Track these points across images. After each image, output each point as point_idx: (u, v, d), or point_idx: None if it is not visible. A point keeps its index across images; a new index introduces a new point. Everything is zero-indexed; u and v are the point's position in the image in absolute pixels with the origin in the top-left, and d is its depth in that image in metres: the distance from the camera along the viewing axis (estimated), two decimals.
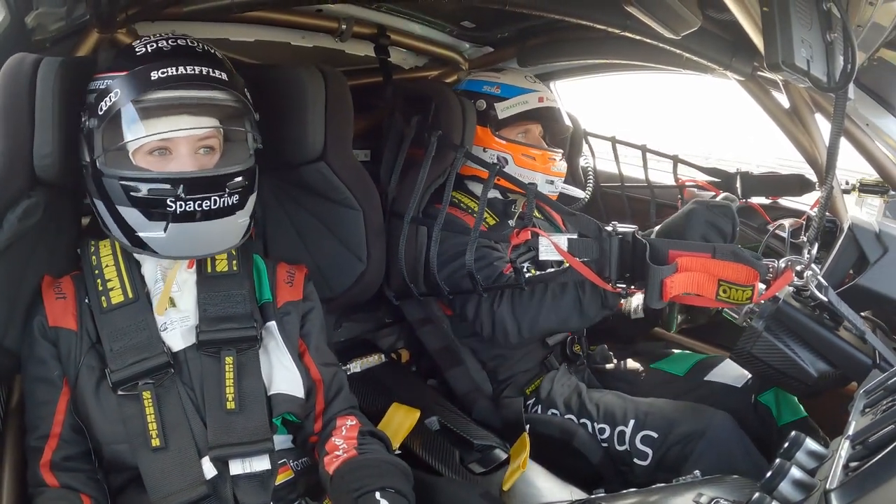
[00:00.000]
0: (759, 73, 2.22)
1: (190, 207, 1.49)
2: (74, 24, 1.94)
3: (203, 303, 1.66)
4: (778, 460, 1.11)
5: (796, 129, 2.40)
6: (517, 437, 2.18)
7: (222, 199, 1.52)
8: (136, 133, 1.51)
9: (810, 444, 1.14)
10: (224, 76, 1.54)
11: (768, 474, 1.08)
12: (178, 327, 1.64)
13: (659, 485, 1.45)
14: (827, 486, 0.94)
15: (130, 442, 1.53)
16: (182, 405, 1.57)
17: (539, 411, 2.42)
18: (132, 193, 1.50)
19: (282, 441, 1.71)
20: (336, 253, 2.08)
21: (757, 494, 1.05)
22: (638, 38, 1.98)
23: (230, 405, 1.59)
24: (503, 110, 2.54)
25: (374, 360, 2.69)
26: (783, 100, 2.40)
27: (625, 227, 1.81)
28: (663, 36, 1.75)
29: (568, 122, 2.69)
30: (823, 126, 2.37)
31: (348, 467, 1.61)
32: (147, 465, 1.52)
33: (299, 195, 2.10)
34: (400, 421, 2.20)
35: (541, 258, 1.86)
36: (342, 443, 1.67)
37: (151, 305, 1.63)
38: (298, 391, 1.68)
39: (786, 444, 1.16)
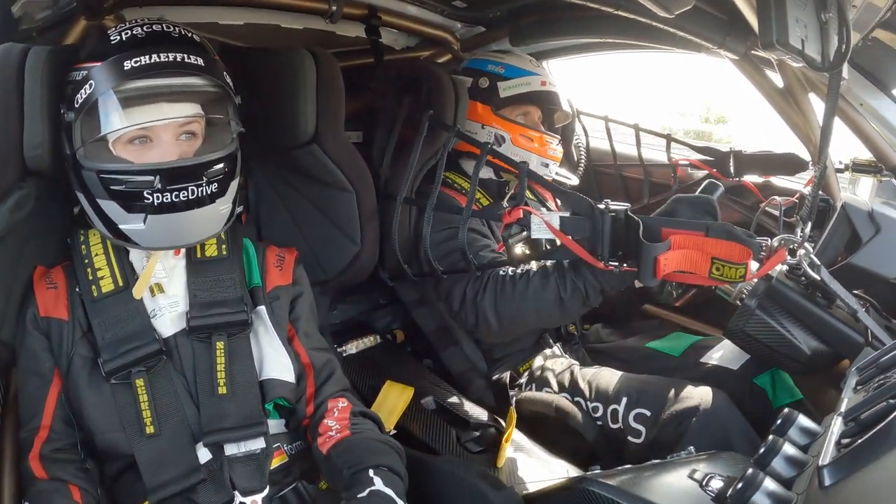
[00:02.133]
0: (752, 52, 2.21)
1: (168, 199, 1.47)
2: (61, 13, 1.91)
3: (193, 288, 1.65)
4: (771, 437, 1.12)
5: (790, 109, 2.40)
6: (501, 414, 2.20)
7: (200, 189, 1.49)
8: (113, 124, 1.48)
9: (803, 420, 1.16)
10: (200, 61, 1.50)
11: (761, 450, 1.10)
12: (167, 313, 1.63)
13: (654, 461, 1.47)
14: (819, 462, 0.96)
15: (125, 430, 1.53)
16: (175, 392, 1.57)
17: (533, 390, 2.43)
18: (111, 186, 1.48)
19: (275, 426, 1.71)
20: (330, 235, 2.08)
21: (750, 470, 1.06)
22: (631, 16, 1.97)
23: (222, 390, 1.59)
24: (505, 89, 2.55)
25: (369, 341, 2.70)
26: (777, 79, 2.39)
27: (617, 205, 1.80)
28: (657, 15, 1.73)
29: (568, 108, 2.69)
30: (817, 106, 2.36)
31: (342, 447, 1.61)
32: (142, 452, 1.52)
33: (292, 178, 2.10)
34: (394, 399, 2.22)
35: (532, 236, 1.86)
36: (335, 424, 1.67)
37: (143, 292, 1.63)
38: (289, 376, 1.68)
39: (779, 421, 1.17)
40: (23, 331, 1.58)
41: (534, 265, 2.14)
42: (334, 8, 2.52)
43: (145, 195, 1.46)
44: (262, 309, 1.71)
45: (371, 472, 1.52)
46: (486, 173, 2.57)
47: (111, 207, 1.50)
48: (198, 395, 1.59)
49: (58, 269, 1.65)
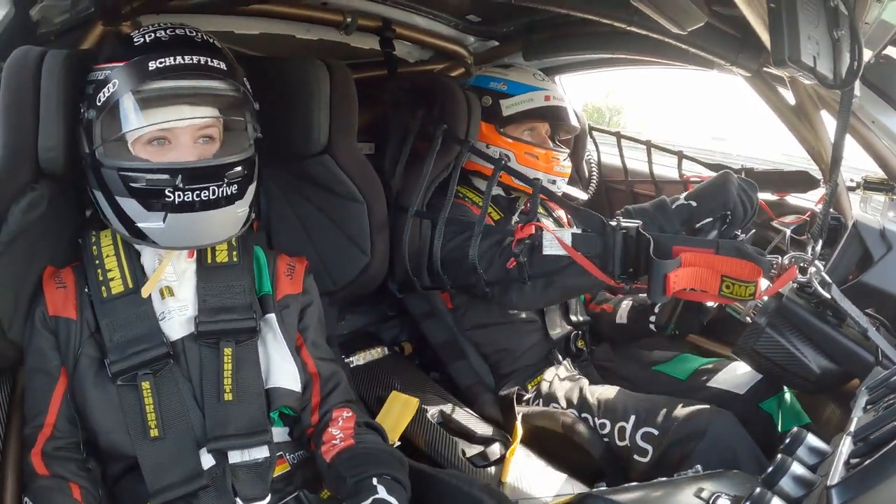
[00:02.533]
0: (764, 69, 2.21)
1: (189, 197, 1.49)
2: (79, 17, 1.94)
3: (202, 293, 1.66)
4: (779, 456, 1.11)
5: (802, 126, 2.39)
6: (507, 429, 2.19)
7: (221, 189, 1.51)
8: (135, 123, 1.51)
9: (812, 440, 1.15)
10: (223, 65, 1.54)
11: (770, 469, 1.08)
12: (175, 317, 1.63)
13: (660, 479, 1.45)
14: (828, 483, 0.94)
15: (128, 432, 1.53)
16: (180, 396, 1.58)
17: (541, 405, 2.42)
18: (131, 184, 1.50)
19: (278, 434, 1.71)
20: (340, 245, 2.08)
21: (758, 490, 1.05)
22: (644, 32, 1.97)
23: (228, 396, 1.59)
24: (508, 107, 2.54)
25: (376, 352, 2.70)
26: (789, 96, 2.39)
27: (629, 222, 1.80)
28: (669, 31, 1.74)
29: (576, 122, 2.68)
30: (829, 123, 2.35)
31: (345, 455, 1.62)
32: (145, 455, 1.53)
33: (304, 188, 2.11)
34: (399, 410, 2.22)
35: (544, 252, 1.86)
36: (339, 433, 1.68)
37: (152, 294, 1.63)
38: (295, 385, 1.69)
39: (787, 440, 1.16)
40: (31, 329, 1.59)
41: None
42: (349, 20, 2.55)
43: (167, 193, 1.48)
44: (272, 317, 1.72)
45: (374, 481, 1.53)
46: (496, 191, 2.55)
47: (130, 205, 1.52)
48: (203, 400, 1.59)
49: (67, 270, 1.66)
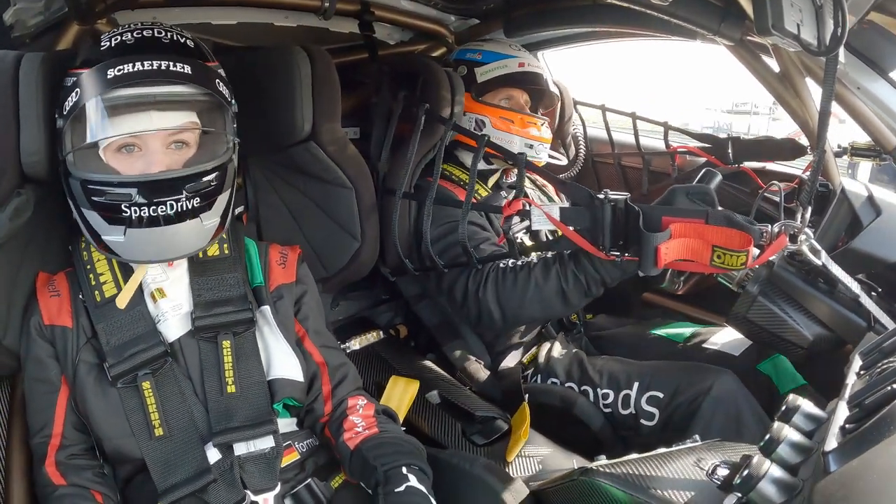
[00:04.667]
0: (748, 38, 2.20)
1: (145, 213, 1.44)
2: (53, 18, 1.91)
3: (196, 288, 1.65)
4: (776, 423, 1.12)
5: (787, 94, 2.38)
6: (517, 407, 2.20)
7: (181, 203, 1.46)
8: (96, 132, 1.48)
9: (807, 406, 1.16)
10: (188, 69, 1.48)
11: (766, 437, 1.10)
12: (170, 317, 1.62)
13: (659, 450, 1.47)
14: (824, 448, 0.95)
15: (133, 434, 1.53)
16: (182, 393, 1.57)
17: (539, 381, 2.44)
18: (92, 197, 1.47)
19: (286, 424, 1.72)
20: (330, 232, 2.07)
21: (756, 458, 1.06)
22: (625, 4, 1.96)
23: (231, 389, 1.59)
24: (482, 74, 2.55)
25: (372, 337, 2.70)
26: (773, 64, 2.38)
27: (617, 195, 1.79)
28: (651, 2, 1.73)
29: (554, 89, 2.68)
30: (814, 90, 2.35)
31: (371, 443, 1.63)
32: (151, 455, 1.53)
33: (290, 176, 2.10)
34: (401, 393, 2.22)
35: (533, 228, 1.86)
36: (360, 420, 1.69)
37: (144, 298, 1.62)
38: (298, 375, 1.68)
39: (783, 408, 1.17)
40: (28, 339, 1.58)
41: (534, 257, 2.14)
42: (327, 4, 2.51)
43: (123, 208, 1.44)
44: (267, 309, 1.71)
45: (404, 470, 1.55)
46: (481, 165, 2.55)
47: (94, 218, 1.49)
48: (205, 395, 1.59)
49: (61, 276, 1.65)
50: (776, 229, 1.69)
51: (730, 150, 2.87)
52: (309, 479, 1.64)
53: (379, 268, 2.41)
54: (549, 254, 2.10)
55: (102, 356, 1.56)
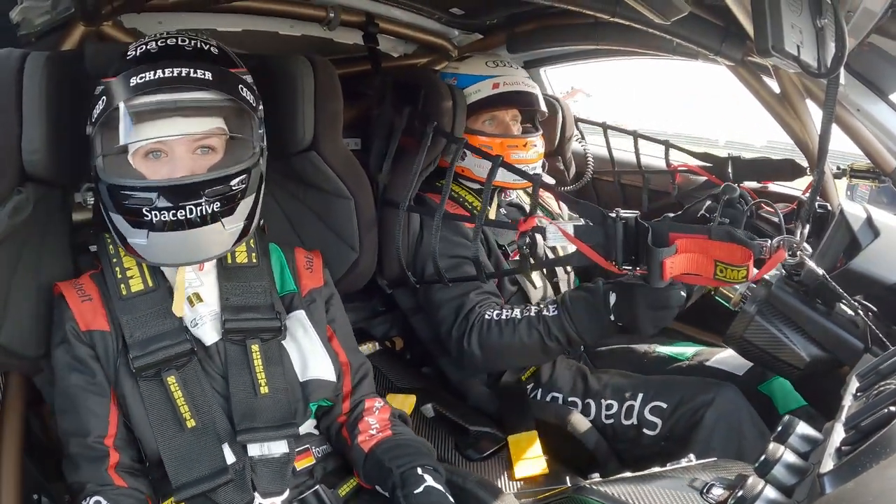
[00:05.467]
0: (749, 58, 2.21)
1: (166, 217, 1.47)
2: (59, 18, 1.93)
3: (225, 292, 1.68)
4: (772, 444, 1.12)
5: (787, 115, 2.39)
6: (515, 422, 2.23)
7: (200, 208, 1.48)
8: (123, 138, 1.50)
9: (804, 428, 1.15)
10: (208, 75, 1.51)
11: (762, 458, 1.09)
12: (208, 321, 1.65)
13: (654, 469, 1.46)
14: (820, 470, 0.95)
15: (151, 427, 1.54)
16: (205, 391, 1.59)
17: (539, 396, 2.43)
18: (118, 201, 1.50)
19: (306, 426, 1.75)
20: (328, 242, 2.07)
21: (751, 478, 1.06)
22: (627, 23, 1.97)
23: (264, 390, 1.62)
24: None
25: (368, 348, 2.69)
26: (774, 85, 2.39)
27: (627, 213, 1.85)
28: (653, 21, 1.74)
29: (541, 105, 2.61)
30: (814, 111, 2.36)
31: (386, 446, 1.67)
32: (171, 449, 1.54)
33: (290, 185, 2.10)
34: (399, 406, 2.21)
35: (548, 244, 1.94)
36: (375, 423, 1.73)
37: (173, 297, 1.64)
38: (331, 376, 1.72)
39: (779, 428, 1.17)
40: (68, 346, 1.58)
41: (517, 311, 2.18)
42: (332, 15, 2.54)
43: (145, 212, 1.47)
44: (301, 312, 1.77)
45: (419, 470, 1.59)
46: (474, 185, 2.55)
47: (119, 221, 1.52)
48: (231, 395, 1.61)
49: (87, 280, 1.66)
50: (775, 244, 1.71)
51: (730, 170, 2.88)
52: (317, 486, 1.66)
53: (376, 279, 2.41)
54: (534, 311, 2.14)
55: (127, 349, 1.57)
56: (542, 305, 2.15)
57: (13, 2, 1.83)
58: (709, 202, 2.33)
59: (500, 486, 1.93)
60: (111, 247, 1.66)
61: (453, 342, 2.27)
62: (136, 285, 1.63)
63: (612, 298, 1.99)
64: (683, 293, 1.90)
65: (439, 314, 2.32)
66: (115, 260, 1.65)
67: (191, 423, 1.55)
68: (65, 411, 1.58)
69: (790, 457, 1.08)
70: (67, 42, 1.97)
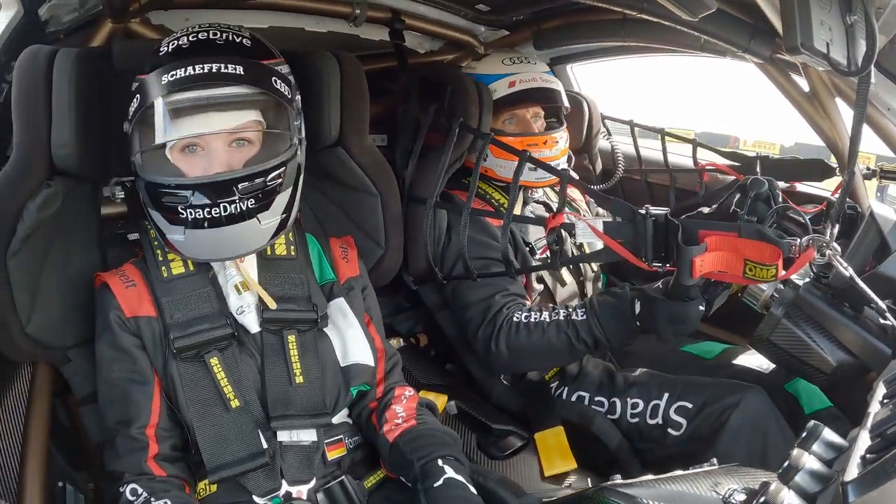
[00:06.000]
0: (778, 55, 2.18)
1: (200, 215, 1.49)
2: (87, 15, 1.96)
3: (264, 283, 1.71)
4: (795, 450, 1.10)
5: (816, 114, 2.35)
6: (540, 419, 2.25)
7: (234, 205, 1.50)
8: (158, 135, 1.53)
9: (828, 434, 1.13)
10: (240, 70, 1.52)
11: (785, 464, 1.08)
12: (253, 310, 1.67)
13: (676, 472, 1.45)
14: (844, 478, 0.93)
15: (187, 408, 1.57)
16: (245, 376, 1.62)
17: (565, 394, 2.41)
18: (155, 198, 1.53)
19: (340, 416, 1.77)
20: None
21: (773, 485, 1.04)
22: (655, 20, 1.95)
23: (299, 379, 1.64)
24: None
25: (392, 344, 2.70)
26: (803, 83, 2.35)
27: (657, 210, 1.85)
28: (681, 18, 1.72)
29: (563, 100, 2.60)
30: (844, 110, 2.32)
31: (409, 436, 1.68)
32: (211, 430, 1.57)
33: (316, 181, 2.10)
34: None
35: (578, 240, 1.99)
36: (402, 412, 1.75)
37: (218, 283, 1.68)
38: (371, 360, 1.76)
39: (804, 434, 1.15)
40: (111, 334, 1.61)
41: (545, 314, 2.19)
42: (358, 11, 2.54)
43: (180, 210, 1.50)
44: (341, 300, 1.80)
45: (440, 462, 1.59)
46: (501, 182, 2.55)
47: (157, 217, 1.56)
48: (266, 382, 1.63)
49: (130, 267, 1.69)
50: (805, 243, 1.69)
51: (758, 169, 2.84)
52: (343, 476, 1.68)
53: (402, 275, 2.42)
54: (562, 314, 2.17)
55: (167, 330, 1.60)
56: (569, 309, 2.17)
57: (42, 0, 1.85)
58: (738, 196, 2.30)
59: (521, 484, 1.92)
60: (152, 231, 1.67)
61: (481, 343, 2.28)
62: (178, 268, 1.66)
63: (638, 307, 2.02)
64: (702, 307, 1.92)
65: (467, 315, 2.33)
66: (156, 243, 1.68)
67: (235, 403, 1.58)
68: (108, 401, 1.61)
69: (814, 464, 1.06)
70: (95, 39, 1.99)
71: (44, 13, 1.88)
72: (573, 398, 2.38)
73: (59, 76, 1.58)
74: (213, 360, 1.59)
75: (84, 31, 1.99)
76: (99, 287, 1.67)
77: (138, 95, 1.53)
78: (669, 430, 2.17)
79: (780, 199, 2.07)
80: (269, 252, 1.74)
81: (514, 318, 2.21)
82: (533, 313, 2.21)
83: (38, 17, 1.89)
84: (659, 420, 2.20)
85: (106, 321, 1.61)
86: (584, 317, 2.12)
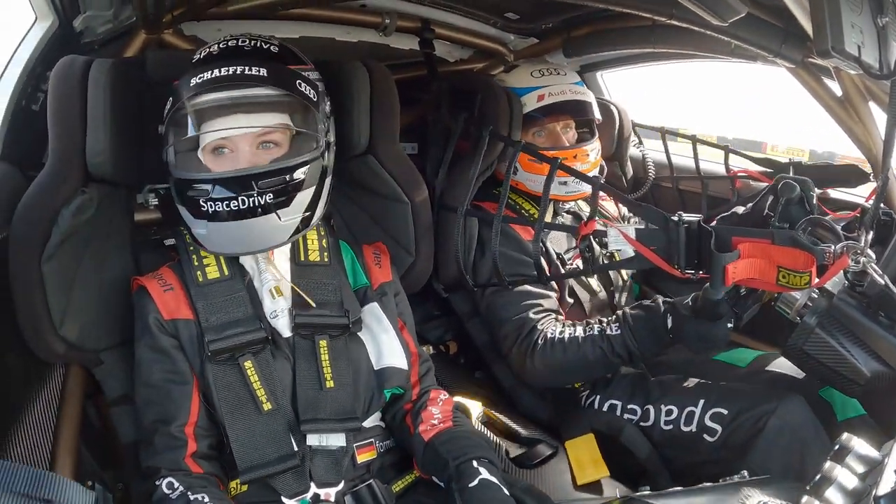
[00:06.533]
0: (809, 60, 2.15)
1: (220, 207, 1.56)
2: (122, 26, 2.01)
3: (297, 288, 1.73)
4: (827, 463, 1.08)
5: (849, 119, 2.30)
6: (570, 427, 2.23)
7: (252, 199, 1.56)
8: (185, 135, 1.63)
9: (861, 447, 1.11)
10: (263, 72, 1.58)
11: (817, 478, 1.06)
12: (286, 314, 1.71)
13: (705, 484, 1.43)
14: (877, 492, 0.92)
15: (232, 409, 1.59)
16: (278, 379, 1.64)
17: (597, 403, 2.39)
18: (180, 192, 1.60)
19: (372, 420, 1.79)
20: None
21: (805, 499, 1.03)
22: (684, 25, 1.94)
23: (329, 384, 1.66)
24: None
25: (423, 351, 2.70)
26: (835, 88, 2.31)
27: (690, 216, 1.83)
28: (710, 23, 1.71)
29: (594, 112, 2.59)
30: (877, 115, 2.27)
31: (445, 437, 1.70)
32: (243, 431, 1.59)
33: (347, 189, 2.12)
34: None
35: (610, 248, 1.97)
36: (438, 413, 1.77)
37: (254, 287, 1.72)
38: (404, 364, 1.77)
39: (836, 447, 1.13)
40: (150, 336, 1.64)
41: (578, 329, 2.20)
42: (388, 21, 2.56)
43: (202, 203, 1.56)
44: (375, 305, 1.83)
45: (475, 463, 1.61)
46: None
47: (184, 212, 1.62)
48: (297, 386, 1.65)
49: (166, 270, 1.73)
50: (839, 250, 1.66)
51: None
52: (371, 480, 1.68)
53: (432, 283, 2.42)
54: (596, 329, 2.18)
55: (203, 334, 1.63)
56: (603, 323, 2.17)
57: (77, 11, 1.89)
58: (770, 198, 2.26)
59: (553, 494, 1.91)
60: (188, 236, 1.72)
61: (515, 360, 2.29)
62: (213, 273, 1.69)
63: (670, 321, 2.02)
64: (731, 324, 1.90)
65: (501, 331, 2.34)
66: (192, 248, 1.71)
67: (267, 406, 1.60)
68: (147, 402, 1.64)
69: (846, 477, 1.04)
70: (129, 49, 2.04)
71: (79, 24, 1.93)
72: (605, 407, 2.35)
73: (94, 86, 1.63)
74: (247, 364, 1.61)
75: (118, 42, 2.05)
76: (137, 291, 1.70)
77: (171, 98, 1.61)
78: (704, 436, 2.13)
79: (815, 202, 2.04)
80: (302, 258, 1.77)
81: (549, 335, 2.22)
82: (567, 329, 2.21)
83: (73, 29, 1.94)
84: (693, 427, 2.16)
85: (145, 324, 1.65)
86: (619, 331, 2.12)
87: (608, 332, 2.13)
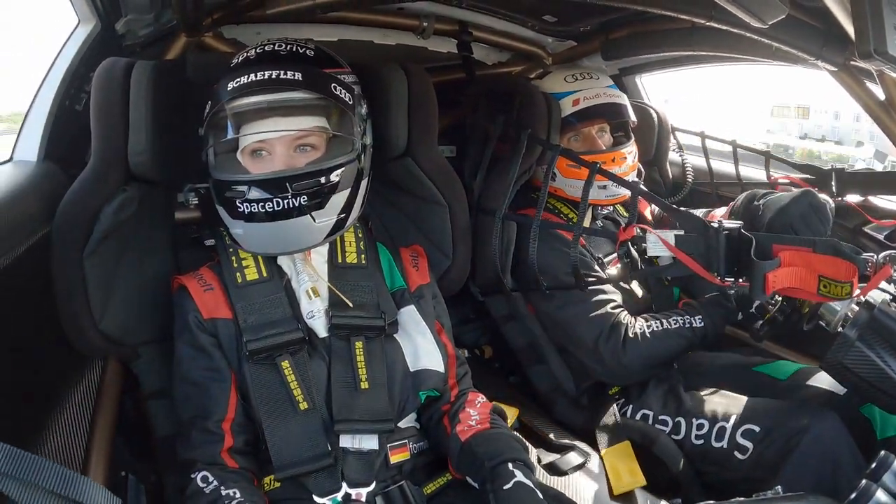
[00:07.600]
0: (852, 62, 2.10)
1: (255, 209, 1.59)
2: (163, 29, 2.05)
3: (333, 288, 1.76)
4: (864, 482, 1.06)
5: (892, 123, 2.24)
6: (606, 435, 2.23)
7: (287, 201, 1.59)
8: (222, 138, 1.67)
9: None
10: (298, 76, 1.61)
11: (852, 496, 1.04)
12: (322, 315, 1.73)
13: (738, 499, 1.40)
14: None
15: (269, 407, 1.61)
16: (315, 379, 1.66)
17: (630, 412, 2.36)
18: (219, 193, 1.65)
19: (407, 420, 1.80)
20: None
21: None
22: (724, 27, 1.91)
23: (364, 385, 1.67)
24: None
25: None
26: (878, 91, 2.25)
27: (731, 223, 1.81)
28: (750, 25, 1.68)
29: (629, 114, 2.57)
30: None
31: (482, 438, 1.69)
32: (280, 429, 1.61)
33: (386, 191, 2.14)
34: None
35: (649, 254, 1.95)
36: (476, 415, 1.77)
37: (291, 288, 1.75)
38: (440, 366, 1.78)
39: (873, 465, 1.10)
40: (190, 334, 1.68)
41: (663, 322, 2.26)
42: (425, 24, 2.57)
43: (238, 204, 1.59)
44: (412, 307, 1.84)
45: (510, 466, 1.60)
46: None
47: (223, 212, 1.66)
48: (332, 387, 1.67)
49: (206, 270, 1.77)
50: (881, 259, 1.63)
51: (833, 183, 2.72)
52: (402, 482, 1.69)
53: (468, 286, 2.42)
54: (680, 321, 2.26)
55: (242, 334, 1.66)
56: (685, 316, 2.26)
57: (119, 14, 1.93)
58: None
59: (579, 503, 1.89)
60: (227, 238, 1.75)
61: (603, 355, 2.27)
62: (251, 274, 1.72)
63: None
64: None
65: (577, 332, 2.33)
66: (231, 250, 1.75)
67: (304, 406, 1.62)
68: (185, 398, 1.67)
69: (882, 496, 1.02)
70: (170, 52, 2.08)
71: (120, 27, 1.98)
72: (637, 416, 2.33)
73: (136, 87, 1.68)
74: (285, 364, 1.63)
75: (159, 45, 2.09)
76: (177, 290, 1.74)
77: (210, 101, 1.64)
78: (736, 454, 2.08)
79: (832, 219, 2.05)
80: (339, 260, 1.80)
81: (638, 329, 2.25)
82: (652, 322, 2.26)
83: (114, 31, 1.98)
84: (724, 444, 2.11)
85: (185, 322, 1.68)
86: (702, 323, 2.24)
87: (695, 324, 2.24)
